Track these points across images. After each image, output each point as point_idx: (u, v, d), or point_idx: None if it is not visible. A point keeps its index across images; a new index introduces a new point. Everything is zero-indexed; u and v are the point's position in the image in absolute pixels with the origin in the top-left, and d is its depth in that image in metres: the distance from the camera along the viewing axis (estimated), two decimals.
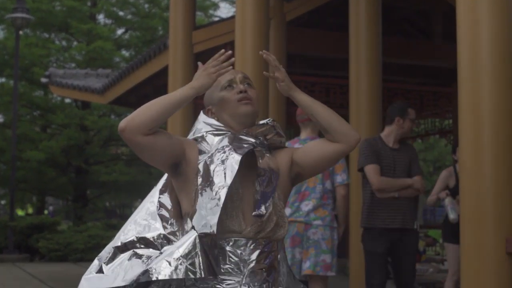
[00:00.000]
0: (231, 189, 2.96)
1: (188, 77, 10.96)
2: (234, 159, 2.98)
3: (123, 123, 2.96)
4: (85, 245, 17.48)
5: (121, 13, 27.35)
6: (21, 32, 24.19)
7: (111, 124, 23.68)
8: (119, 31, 27.95)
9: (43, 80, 17.92)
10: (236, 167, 2.95)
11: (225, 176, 2.95)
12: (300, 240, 6.64)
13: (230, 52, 3.12)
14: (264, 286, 3.00)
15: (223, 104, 3.21)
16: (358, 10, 8.80)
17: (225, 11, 68.30)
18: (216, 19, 27.43)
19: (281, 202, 3.12)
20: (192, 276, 2.89)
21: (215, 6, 29.73)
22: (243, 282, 2.98)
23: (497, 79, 4.95)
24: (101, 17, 28.16)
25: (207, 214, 2.92)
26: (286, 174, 3.19)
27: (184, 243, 2.95)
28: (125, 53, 27.08)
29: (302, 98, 3.23)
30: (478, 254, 4.82)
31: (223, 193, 2.91)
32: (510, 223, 4.82)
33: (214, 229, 2.88)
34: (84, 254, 17.30)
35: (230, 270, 2.98)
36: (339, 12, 10.46)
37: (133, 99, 15.52)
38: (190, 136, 3.24)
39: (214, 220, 2.89)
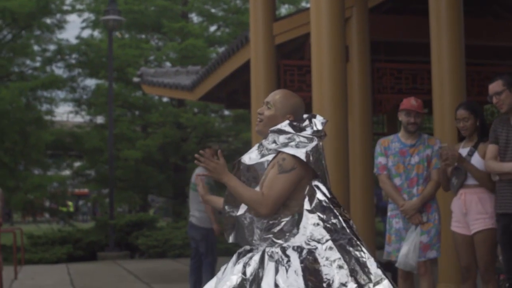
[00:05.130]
0: None
1: (270, 69, 10.92)
2: None
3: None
4: (183, 241, 17.64)
5: (212, 10, 27.58)
6: (118, 34, 24.77)
7: (206, 120, 23.86)
8: (212, 28, 28.16)
9: (135, 79, 18.20)
10: None
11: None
12: None
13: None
14: None
15: None
16: None
17: None
18: None
19: None
20: None
21: None
22: None
23: None
24: (193, 15, 28.45)
25: None
26: None
27: None
28: (219, 49, 27.27)
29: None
30: None
31: None
32: None
33: None
34: (183, 250, 17.45)
35: None
36: None
37: (222, 94, 15.58)
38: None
39: None
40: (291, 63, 11.28)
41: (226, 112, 26.38)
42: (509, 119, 6.26)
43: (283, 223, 3.85)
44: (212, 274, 9.57)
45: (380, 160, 6.94)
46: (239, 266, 3.85)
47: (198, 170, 9.89)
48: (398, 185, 6.82)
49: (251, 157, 4.07)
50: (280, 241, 3.83)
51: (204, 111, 25.71)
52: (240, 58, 12.43)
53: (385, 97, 11.42)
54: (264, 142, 4.01)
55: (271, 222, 3.88)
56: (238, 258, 3.97)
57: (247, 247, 4.02)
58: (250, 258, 3.87)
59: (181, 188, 25.46)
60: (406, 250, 6.55)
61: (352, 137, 9.95)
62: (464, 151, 6.53)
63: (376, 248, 10.37)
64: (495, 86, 6.30)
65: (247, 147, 18.92)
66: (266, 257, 3.79)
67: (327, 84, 8.67)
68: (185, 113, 24.01)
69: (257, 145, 4.10)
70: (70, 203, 35.49)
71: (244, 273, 3.80)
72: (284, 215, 3.86)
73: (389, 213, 6.91)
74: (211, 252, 9.84)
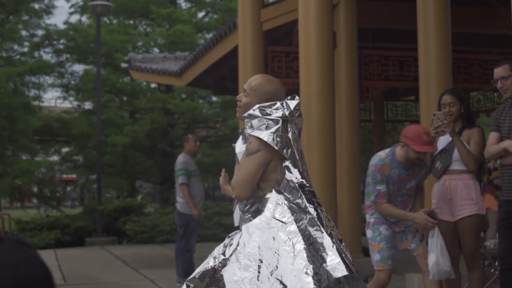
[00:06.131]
0: None
1: (258, 55, 10.95)
2: None
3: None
4: (170, 227, 17.66)
5: None
6: (106, 19, 24.71)
7: (193, 106, 23.88)
8: (200, 14, 28.14)
9: (123, 65, 18.18)
10: None
11: None
12: None
13: None
14: None
15: None
16: None
17: None
18: None
19: None
20: None
21: None
22: None
23: None
24: (181, 1, 28.40)
25: None
26: None
27: None
28: (207, 35, 27.25)
29: None
30: None
31: None
32: None
33: None
34: (170, 236, 17.47)
35: None
36: None
37: (210, 80, 15.60)
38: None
39: None
40: (279, 50, 11.31)
41: (214, 98, 26.40)
42: None
43: (257, 203, 3.96)
44: (182, 261, 9.67)
45: (379, 188, 6.34)
46: (220, 247, 3.96)
47: (180, 158, 10.01)
48: None
49: (238, 145, 4.17)
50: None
51: (192, 97, 25.72)
52: (228, 44, 12.45)
53: (372, 84, 11.47)
54: (245, 129, 4.10)
55: (248, 203, 3.99)
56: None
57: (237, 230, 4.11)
58: (232, 239, 3.97)
59: (169, 174, 25.45)
60: (435, 258, 6.09)
61: (339, 123, 10.00)
62: (449, 137, 6.53)
63: (362, 235, 10.42)
64: (501, 71, 6.09)
65: (234, 133, 18.97)
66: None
67: (315, 71, 8.71)
68: (173, 99, 24.01)
69: (239, 131, 4.21)
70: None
71: (223, 253, 3.92)
72: (257, 196, 3.97)
73: (372, 220, 6.46)
74: (186, 238, 9.93)
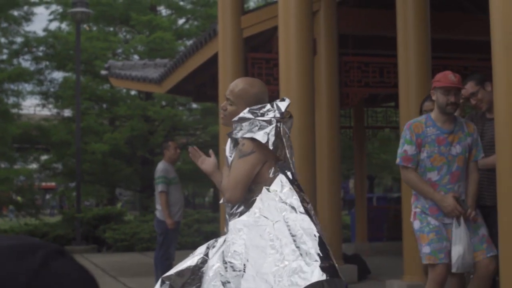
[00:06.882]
0: None
1: (238, 62, 10.92)
2: None
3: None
4: (150, 235, 17.57)
5: (181, 3, 27.52)
6: (85, 26, 24.61)
7: (173, 113, 23.82)
8: (180, 21, 28.09)
9: (103, 72, 18.11)
10: None
11: None
12: None
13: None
14: None
15: None
16: None
17: None
18: None
19: None
20: None
21: None
22: None
23: None
24: (161, 8, 28.35)
25: None
26: None
27: None
28: (187, 42, 27.21)
29: None
30: None
31: None
32: None
33: None
34: (150, 244, 17.38)
35: None
36: None
37: (190, 87, 15.55)
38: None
39: None
40: (259, 56, 11.29)
41: (194, 105, 26.34)
42: (485, 113, 6.30)
43: (242, 206, 3.94)
44: (161, 269, 9.62)
45: (406, 148, 5.87)
46: (203, 248, 3.91)
47: (160, 165, 10.00)
48: (433, 181, 5.85)
49: (227, 148, 4.18)
50: None
51: (172, 104, 25.64)
52: (208, 51, 12.42)
53: (352, 91, 11.47)
54: (233, 133, 4.06)
55: (236, 206, 3.96)
56: None
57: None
58: (216, 240, 3.92)
59: (149, 181, 25.30)
60: (462, 250, 5.64)
61: (319, 130, 9.99)
62: None
63: (343, 241, 10.41)
64: (469, 88, 6.32)
65: (215, 140, 18.93)
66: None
67: (295, 78, 8.70)
68: (153, 106, 23.95)
69: (228, 134, 4.18)
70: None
71: (206, 254, 3.87)
72: (247, 199, 3.94)
73: (418, 210, 5.95)
74: (165, 247, 9.89)
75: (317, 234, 3.73)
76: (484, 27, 12.03)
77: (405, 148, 5.88)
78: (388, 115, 17.14)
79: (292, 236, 3.70)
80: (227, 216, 4.06)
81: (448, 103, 5.74)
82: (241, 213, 3.91)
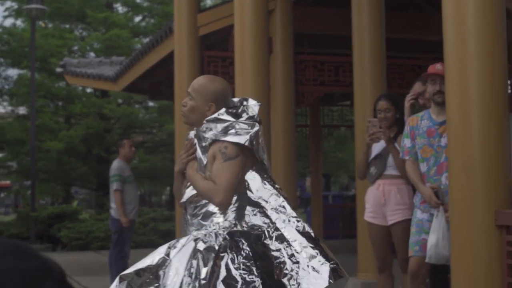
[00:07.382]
0: None
1: (194, 60, 10.90)
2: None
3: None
4: (106, 233, 17.48)
5: (138, 1, 27.39)
6: (41, 23, 24.36)
7: (129, 112, 23.71)
8: (137, 19, 27.97)
9: (58, 70, 17.95)
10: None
11: None
12: None
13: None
14: None
15: None
16: None
17: None
18: None
19: None
20: None
21: None
22: None
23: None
24: (118, 6, 28.19)
25: None
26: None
27: None
28: (143, 40, 27.09)
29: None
30: (469, 226, 4.72)
31: None
32: (499, 196, 4.71)
33: None
34: (105, 242, 17.28)
35: None
36: None
37: (146, 85, 15.47)
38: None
39: None
40: (215, 55, 11.28)
41: (150, 103, 26.26)
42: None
43: (207, 206, 3.92)
44: (116, 267, 9.58)
45: (405, 142, 6.08)
46: (164, 247, 3.88)
47: (115, 164, 9.97)
48: (423, 172, 5.92)
49: (198, 150, 4.10)
50: (206, 223, 3.88)
51: (128, 102, 25.50)
52: (164, 49, 12.38)
53: (308, 89, 11.51)
54: (199, 132, 4.01)
55: (197, 206, 3.95)
56: None
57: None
58: (177, 240, 3.89)
59: (104, 180, 25.10)
60: (435, 239, 5.60)
61: (275, 129, 10.01)
62: (384, 142, 6.59)
63: None
64: (416, 88, 6.51)
65: (171, 138, 18.85)
66: (192, 238, 3.82)
67: (250, 76, 8.70)
68: (109, 104, 23.80)
69: (192, 133, 4.13)
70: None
71: (167, 254, 3.82)
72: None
73: (416, 203, 6.08)
74: (120, 245, 9.86)
75: (291, 240, 3.84)
76: (438, 27, 12.18)
77: (404, 141, 6.08)
78: (344, 113, 17.24)
79: (254, 244, 3.76)
80: (188, 217, 4.01)
81: (435, 92, 5.84)
82: (204, 215, 3.89)
